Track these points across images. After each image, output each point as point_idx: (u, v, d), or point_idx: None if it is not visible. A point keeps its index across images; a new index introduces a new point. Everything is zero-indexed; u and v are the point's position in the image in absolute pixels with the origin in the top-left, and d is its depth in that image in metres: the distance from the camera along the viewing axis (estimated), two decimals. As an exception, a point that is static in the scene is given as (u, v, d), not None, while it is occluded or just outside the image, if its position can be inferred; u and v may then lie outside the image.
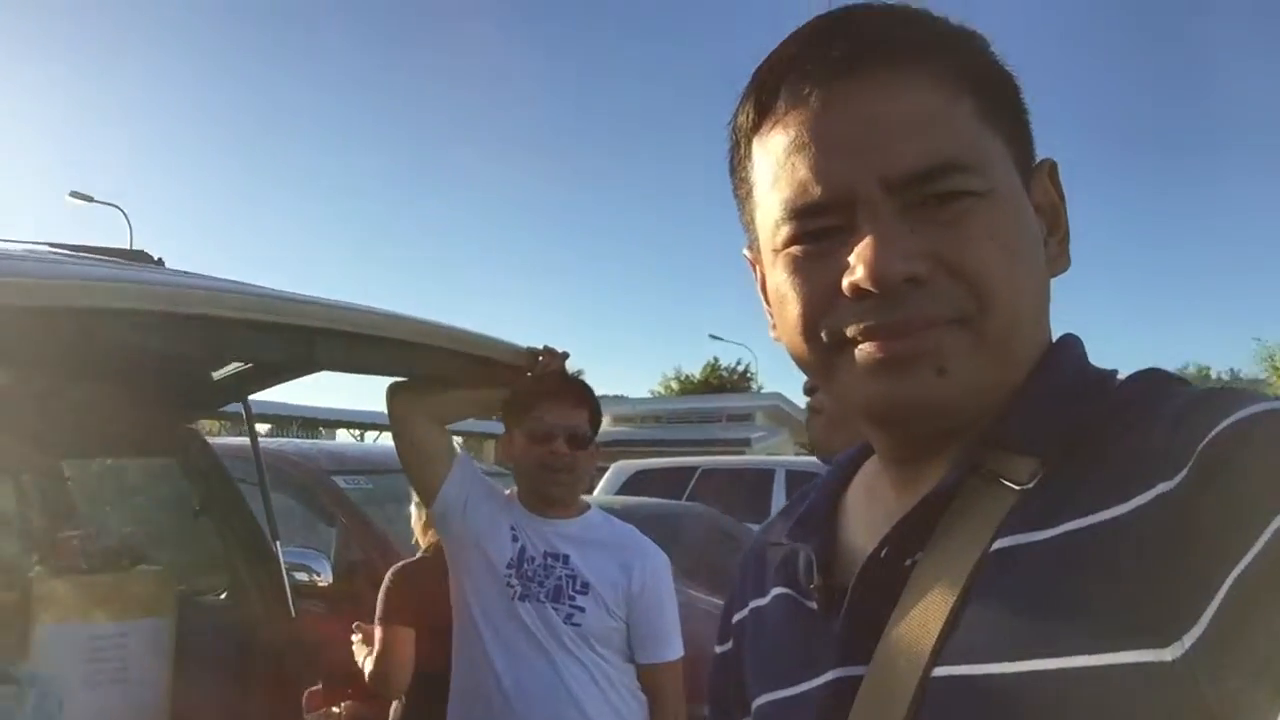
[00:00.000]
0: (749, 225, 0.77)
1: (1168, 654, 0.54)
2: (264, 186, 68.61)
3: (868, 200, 0.67)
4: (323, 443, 4.58)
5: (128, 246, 3.72)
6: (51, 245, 2.57)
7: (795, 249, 0.70)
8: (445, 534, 2.37)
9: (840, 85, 0.68)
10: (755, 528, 0.91)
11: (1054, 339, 0.74)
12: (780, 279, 0.72)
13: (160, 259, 2.79)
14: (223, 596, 3.29)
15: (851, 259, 0.67)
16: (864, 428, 0.77)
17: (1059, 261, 0.74)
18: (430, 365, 2.29)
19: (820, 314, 0.69)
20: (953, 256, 0.66)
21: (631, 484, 8.84)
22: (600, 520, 2.41)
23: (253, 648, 3.03)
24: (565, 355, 2.50)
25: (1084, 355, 0.75)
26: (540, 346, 2.45)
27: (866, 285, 0.65)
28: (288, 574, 3.24)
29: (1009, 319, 0.67)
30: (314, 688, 2.93)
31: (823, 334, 0.70)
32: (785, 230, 0.70)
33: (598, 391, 2.50)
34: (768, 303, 0.76)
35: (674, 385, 42.32)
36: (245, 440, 3.36)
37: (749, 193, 0.75)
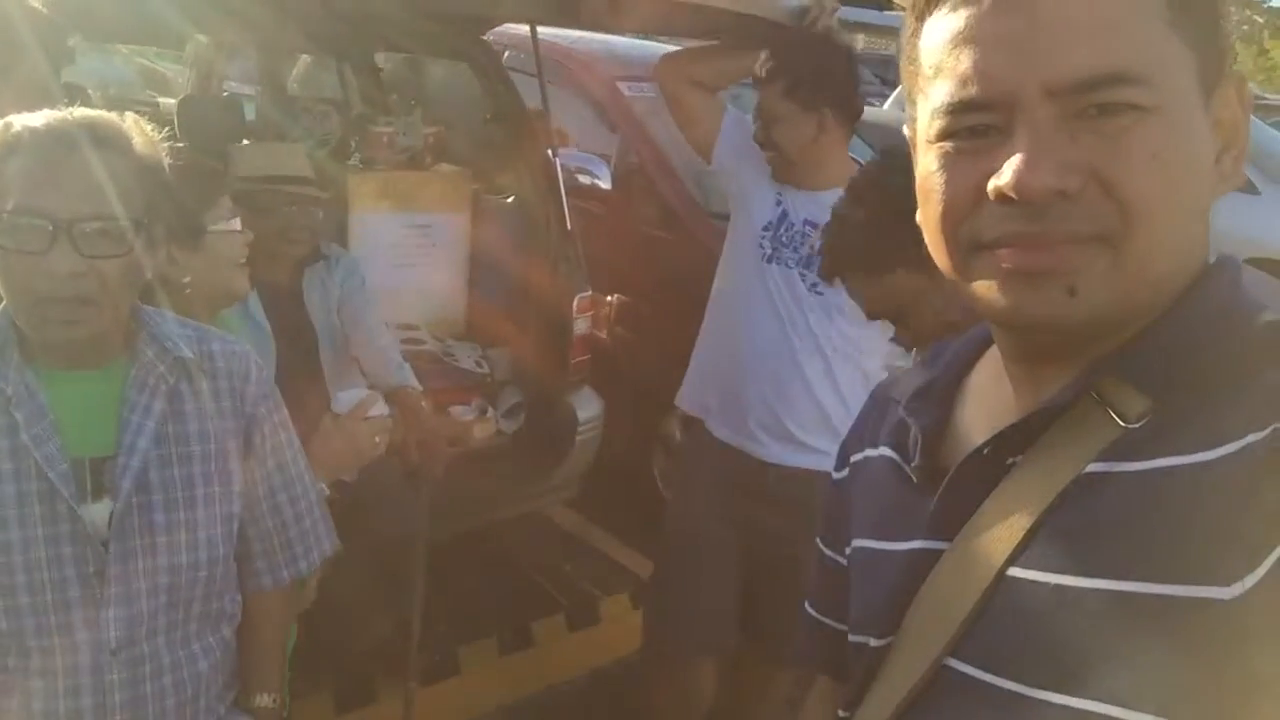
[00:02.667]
0: (909, 106, 0.76)
1: (1225, 593, 0.59)
2: None
3: (1027, 104, 0.65)
4: (613, 43, 4.56)
5: None
6: None
7: (947, 144, 0.69)
8: (726, 192, 2.52)
9: None
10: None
11: (1210, 261, 0.72)
12: (928, 171, 0.71)
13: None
14: (509, 200, 3.62)
15: (1002, 164, 0.65)
16: (991, 326, 0.78)
17: (1231, 180, 0.70)
18: (696, 25, 2.31)
19: (962, 215, 0.69)
20: (1108, 172, 0.64)
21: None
22: None
23: (532, 250, 3.37)
24: (835, 8, 2.38)
25: (1235, 285, 0.71)
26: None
27: (1011, 193, 0.65)
28: (571, 176, 3.51)
29: (1154, 243, 0.66)
30: (584, 293, 3.28)
31: (962, 235, 0.70)
32: (939, 123, 0.69)
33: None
34: None
35: None
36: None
37: (915, 74, 0.73)
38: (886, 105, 6.93)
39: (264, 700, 1.57)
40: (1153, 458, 0.64)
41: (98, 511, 1.34)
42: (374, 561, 2.46)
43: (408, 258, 3.46)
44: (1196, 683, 0.60)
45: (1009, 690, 0.67)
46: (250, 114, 3.91)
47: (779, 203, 2.37)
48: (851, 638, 0.85)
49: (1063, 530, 0.67)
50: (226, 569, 1.48)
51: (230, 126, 3.27)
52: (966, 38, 0.67)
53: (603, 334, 3.76)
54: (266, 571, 1.57)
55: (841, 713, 0.83)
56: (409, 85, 4.34)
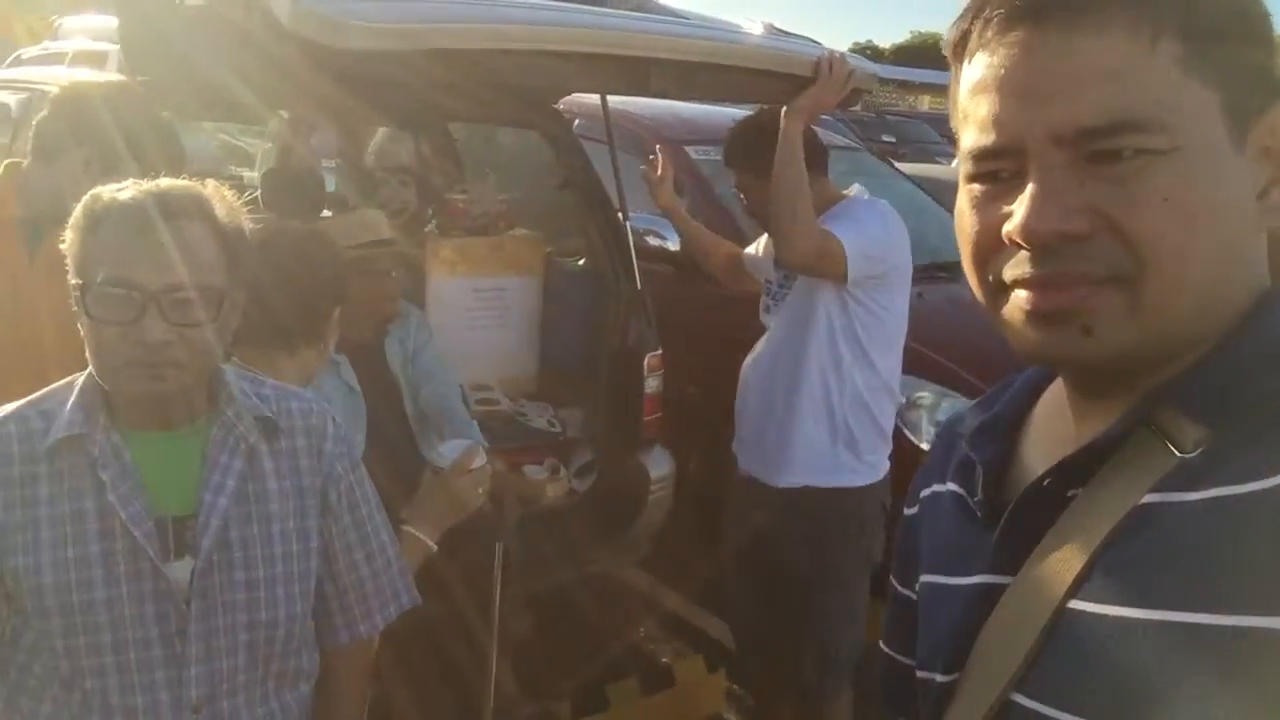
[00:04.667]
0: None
1: None
2: None
3: (1036, 151, 0.67)
4: (680, 109, 4.66)
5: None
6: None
7: (975, 187, 0.72)
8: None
9: (1024, 29, 0.67)
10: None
11: (1270, 289, 0.72)
12: (960, 211, 0.74)
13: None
14: (580, 262, 3.68)
15: (1014, 208, 0.68)
16: None
17: (1274, 215, 0.69)
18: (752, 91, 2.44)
19: (987, 256, 0.72)
20: (1117, 215, 0.65)
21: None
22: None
23: (603, 310, 3.42)
24: (849, 72, 2.64)
25: None
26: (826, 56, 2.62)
27: (1018, 238, 0.67)
28: (640, 238, 3.56)
29: (1171, 284, 0.66)
30: (654, 352, 3.31)
31: (989, 274, 0.72)
32: (967, 167, 0.72)
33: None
34: None
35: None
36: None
37: (956, 118, 0.76)
38: (954, 164, 6.91)
39: None
40: (1210, 487, 0.64)
41: (180, 570, 1.38)
42: (447, 620, 2.48)
43: (482, 320, 3.53)
44: (1266, 717, 0.59)
45: None
46: (330, 185, 4.05)
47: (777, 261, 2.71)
48: (919, 674, 0.84)
49: (1122, 561, 0.67)
50: (305, 626, 1.51)
51: (312, 197, 3.39)
52: (984, 86, 0.70)
53: (673, 393, 3.78)
54: (344, 628, 1.59)
55: None
56: (482, 154, 4.46)
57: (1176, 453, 0.67)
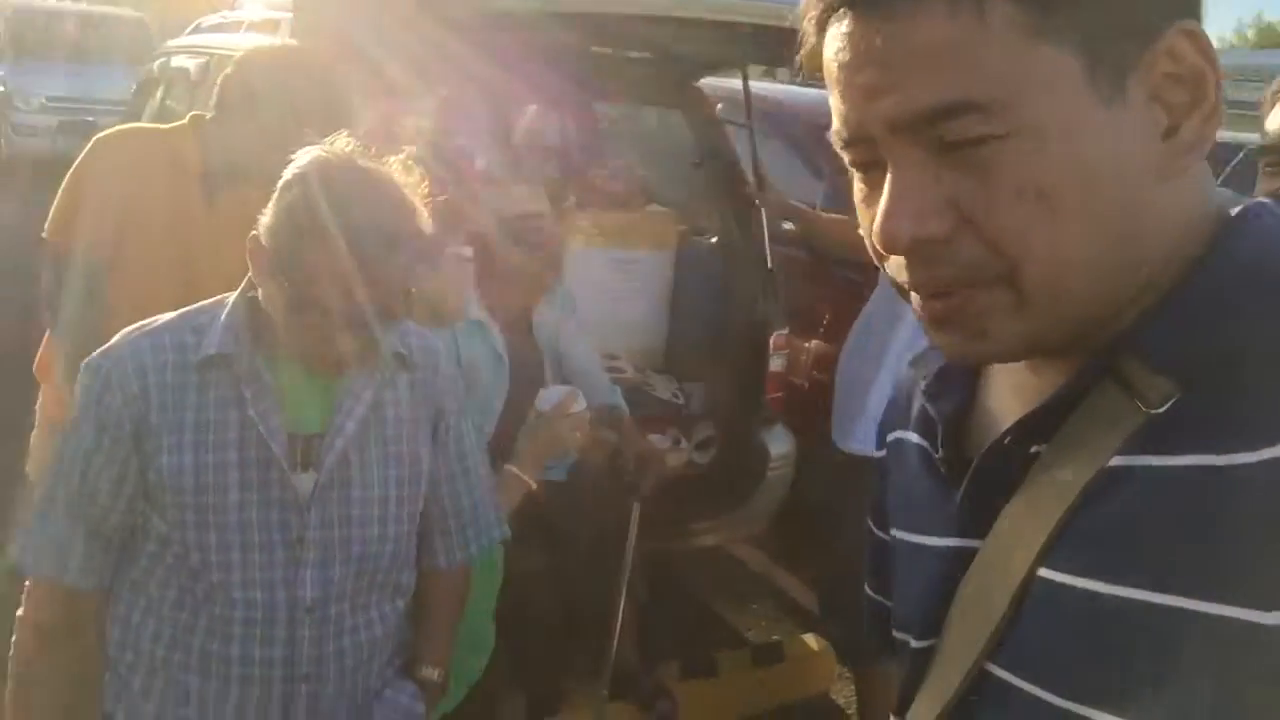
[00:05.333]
0: None
1: (1269, 619, 0.54)
2: None
3: (885, 144, 0.62)
4: (823, 94, 4.63)
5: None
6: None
7: (855, 175, 0.67)
8: None
9: (851, 14, 0.62)
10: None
11: (1243, 208, 0.65)
12: (855, 203, 0.68)
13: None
14: (712, 240, 3.75)
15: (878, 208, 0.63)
16: None
17: (1199, 145, 0.62)
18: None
19: (879, 256, 0.67)
20: (975, 213, 0.61)
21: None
22: None
23: (732, 288, 3.48)
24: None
25: (1266, 244, 0.64)
26: None
27: (879, 248, 0.64)
28: (776, 222, 3.60)
29: (1053, 274, 0.61)
30: (780, 331, 3.34)
31: (890, 275, 0.68)
32: (840, 154, 0.67)
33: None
34: None
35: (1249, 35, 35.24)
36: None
37: None
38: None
39: (429, 673, 1.70)
40: (1185, 453, 0.59)
41: (304, 482, 1.51)
42: (578, 572, 2.60)
43: (614, 292, 3.63)
44: (1239, 711, 0.55)
45: (1049, 703, 0.63)
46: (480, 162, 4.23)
47: None
48: (895, 633, 0.82)
49: (1092, 529, 0.63)
50: (408, 546, 1.63)
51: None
52: (829, 73, 0.65)
53: (801, 380, 3.80)
54: (442, 552, 1.72)
55: (893, 718, 0.79)
56: (622, 132, 4.57)
57: (1144, 408, 0.61)
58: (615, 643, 2.64)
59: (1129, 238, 0.62)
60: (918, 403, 0.80)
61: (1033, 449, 0.67)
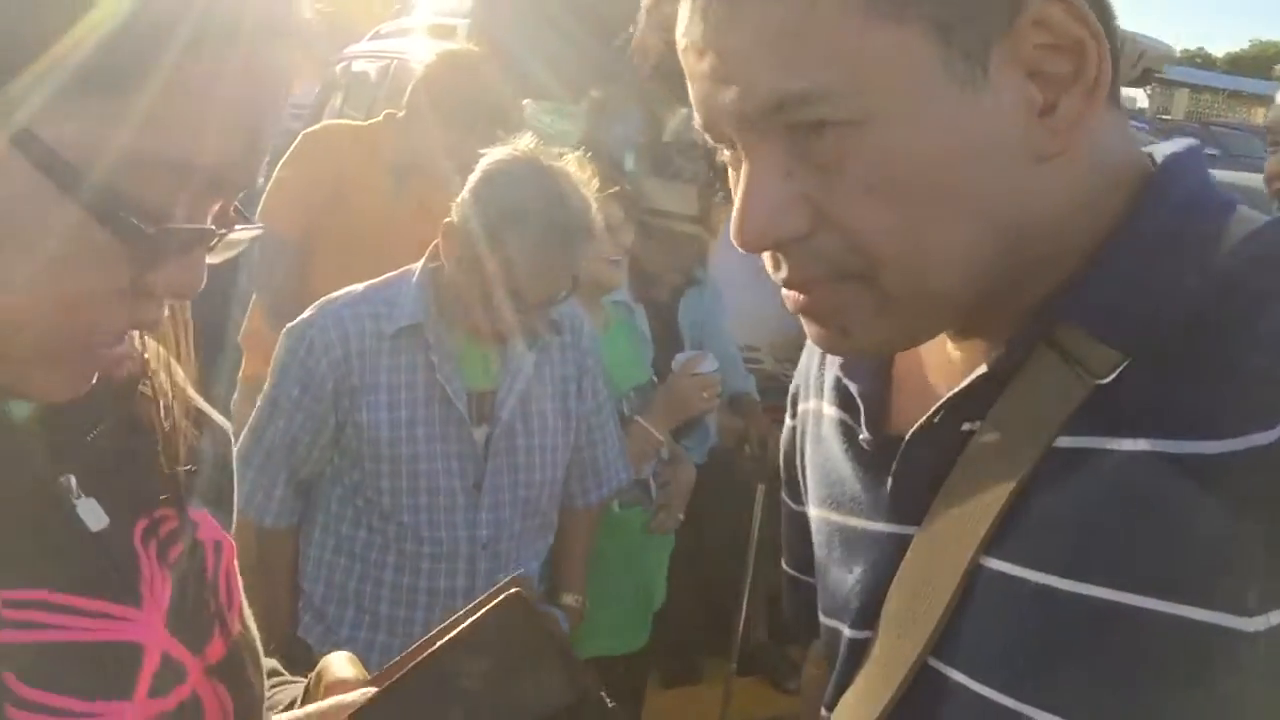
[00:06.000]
0: None
1: (1248, 625, 0.51)
2: None
3: (738, 136, 0.59)
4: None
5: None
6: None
7: (727, 163, 0.64)
8: None
9: (700, 2, 0.58)
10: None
11: (1160, 161, 0.61)
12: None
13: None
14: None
15: None
16: None
17: (1080, 122, 0.56)
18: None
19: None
20: (829, 209, 0.57)
21: None
22: None
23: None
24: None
25: (1192, 191, 0.60)
26: None
27: (738, 246, 0.60)
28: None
29: (916, 273, 0.57)
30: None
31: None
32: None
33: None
34: None
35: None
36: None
37: None
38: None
39: (570, 600, 1.97)
40: (1141, 435, 0.55)
41: (479, 434, 1.74)
42: (710, 552, 2.76)
43: (757, 285, 3.75)
44: (1204, 716, 0.53)
45: (996, 702, 0.59)
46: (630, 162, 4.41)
47: None
48: (823, 619, 0.76)
49: (1043, 517, 0.58)
50: (559, 489, 1.88)
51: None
52: (684, 60, 0.61)
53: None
54: (580, 494, 1.97)
55: (824, 712, 0.73)
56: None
57: (1090, 379, 0.57)
58: (743, 620, 2.77)
59: (1004, 225, 0.57)
60: (831, 371, 0.75)
61: (965, 426, 0.62)
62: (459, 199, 1.68)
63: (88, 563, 0.61)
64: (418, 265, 1.77)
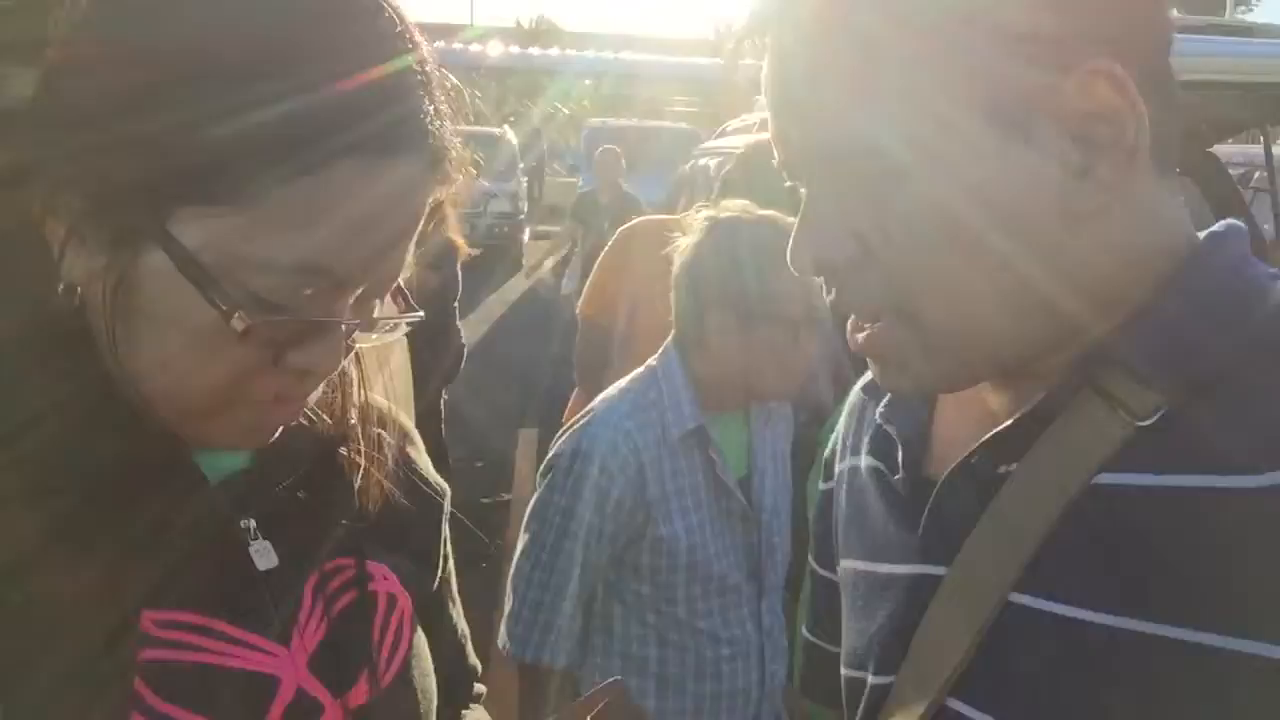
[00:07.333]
0: None
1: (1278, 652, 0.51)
2: None
3: (800, 174, 0.64)
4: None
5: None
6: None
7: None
8: None
9: (776, 39, 0.63)
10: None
11: (1205, 233, 0.63)
12: None
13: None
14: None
15: None
16: None
17: (1116, 186, 0.58)
18: None
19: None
20: (874, 246, 0.60)
21: None
22: None
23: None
24: None
25: (1235, 260, 0.62)
26: None
27: (790, 267, 0.64)
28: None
29: (947, 320, 0.60)
30: None
31: None
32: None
33: None
34: None
35: None
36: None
37: None
38: None
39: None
40: (1176, 471, 0.56)
41: (751, 524, 1.69)
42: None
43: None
44: None
45: None
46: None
47: None
48: (845, 671, 0.76)
49: (1074, 551, 0.58)
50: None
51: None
52: (764, 99, 0.65)
53: None
54: None
55: None
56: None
57: (1132, 420, 0.58)
58: None
59: (1039, 278, 0.59)
60: (871, 428, 0.78)
61: (1001, 469, 0.64)
62: (720, 281, 1.65)
63: (247, 597, 0.67)
64: (670, 358, 1.72)
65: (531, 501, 1.68)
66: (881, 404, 0.75)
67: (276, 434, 0.67)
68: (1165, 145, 0.60)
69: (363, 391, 0.77)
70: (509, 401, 5.96)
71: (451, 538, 0.89)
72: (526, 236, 14.49)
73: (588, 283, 2.73)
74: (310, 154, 0.57)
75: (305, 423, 0.72)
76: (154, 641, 0.62)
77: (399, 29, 0.61)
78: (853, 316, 0.65)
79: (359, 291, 0.63)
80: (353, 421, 0.76)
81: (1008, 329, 0.61)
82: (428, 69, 0.63)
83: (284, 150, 0.56)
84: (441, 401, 4.70)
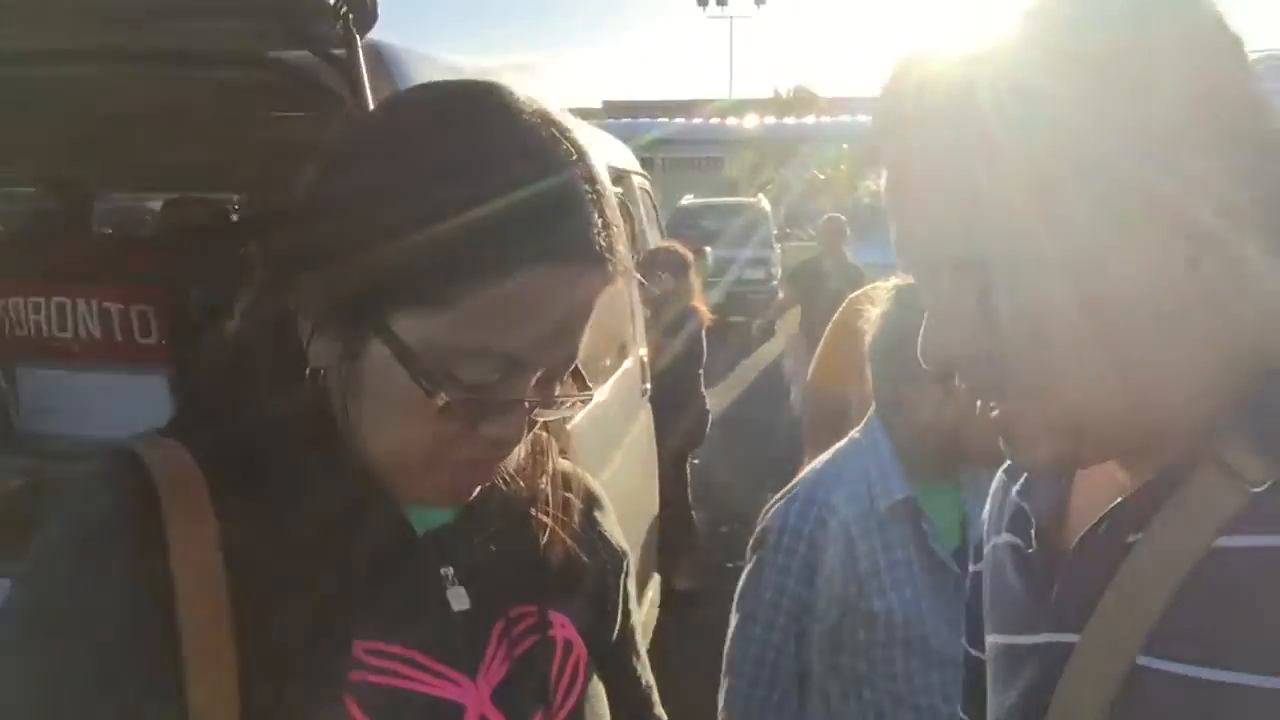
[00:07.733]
0: None
1: None
2: None
3: (923, 269, 0.68)
4: None
5: None
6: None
7: None
8: None
9: (891, 146, 0.67)
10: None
11: None
12: None
13: None
14: None
15: None
16: None
17: (1225, 279, 0.61)
18: None
19: None
20: (998, 342, 0.64)
21: None
22: None
23: None
24: None
25: None
26: None
27: (925, 366, 0.68)
28: None
29: (1067, 409, 0.64)
30: None
31: None
32: None
33: None
34: None
35: None
36: None
37: None
38: None
39: None
40: None
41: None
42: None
43: None
44: None
45: None
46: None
47: None
48: None
49: (1195, 613, 0.61)
50: None
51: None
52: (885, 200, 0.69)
53: None
54: None
55: None
56: None
57: (1249, 486, 0.60)
58: None
59: (1149, 366, 0.63)
60: (1011, 507, 0.81)
61: (1129, 538, 0.66)
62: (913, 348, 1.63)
63: (443, 634, 0.77)
64: (873, 430, 1.70)
65: (742, 577, 1.70)
66: (1018, 482, 0.79)
67: (475, 494, 0.79)
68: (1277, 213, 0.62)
69: (553, 460, 0.88)
70: (757, 466, 6.04)
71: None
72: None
73: (817, 351, 2.78)
74: (503, 263, 0.68)
75: (503, 485, 0.84)
76: (363, 667, 0.73)
77: (564, 147, 0.72)
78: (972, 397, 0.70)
79: (539, 374, 0.75)
80: (543, 486, 0.87)
81: (1128, 412, 0.64)
82: (597, 186, 0.73)
83: (481, 261, 0.68)
84: (688, 465, 4.85)
